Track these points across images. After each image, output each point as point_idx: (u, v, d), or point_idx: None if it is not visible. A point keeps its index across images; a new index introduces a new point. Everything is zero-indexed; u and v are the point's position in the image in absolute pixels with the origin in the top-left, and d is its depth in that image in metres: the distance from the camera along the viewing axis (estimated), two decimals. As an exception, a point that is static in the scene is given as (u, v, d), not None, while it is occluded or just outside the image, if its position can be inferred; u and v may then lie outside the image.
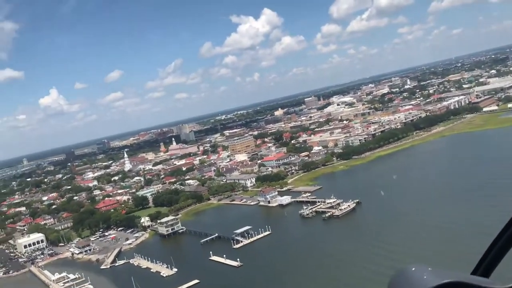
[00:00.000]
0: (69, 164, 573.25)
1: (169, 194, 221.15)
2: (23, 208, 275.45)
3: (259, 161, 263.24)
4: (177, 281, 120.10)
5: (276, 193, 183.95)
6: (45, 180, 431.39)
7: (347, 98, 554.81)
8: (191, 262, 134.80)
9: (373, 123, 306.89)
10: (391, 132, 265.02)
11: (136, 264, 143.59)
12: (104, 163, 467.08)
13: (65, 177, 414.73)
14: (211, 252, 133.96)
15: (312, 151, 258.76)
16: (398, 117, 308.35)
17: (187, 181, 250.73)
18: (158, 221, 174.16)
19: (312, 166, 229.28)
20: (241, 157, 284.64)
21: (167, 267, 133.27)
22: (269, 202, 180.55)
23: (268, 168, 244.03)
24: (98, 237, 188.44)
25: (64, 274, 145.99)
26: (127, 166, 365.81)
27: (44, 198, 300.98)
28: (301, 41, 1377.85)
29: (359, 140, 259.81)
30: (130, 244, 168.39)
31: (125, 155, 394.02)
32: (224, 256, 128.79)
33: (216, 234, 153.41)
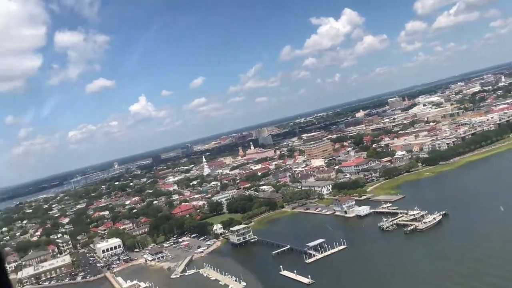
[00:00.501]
0: (154, 168, 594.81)
1: (243, 201, 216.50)
2: (106, 212, 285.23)
3: (336, 167, 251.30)
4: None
5: (353, 202, 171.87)
6: (131, 184, 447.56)
7: (434, 98, 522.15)
8: (260, 276, 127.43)
9: (462, 124, 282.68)
10: (483, 135, 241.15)
11: (205, 275, 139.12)
12: (185, 167, 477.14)
13: (148, 181, 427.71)
14: (281, 266, 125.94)
15: (395, 156, 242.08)
16: (492, 117, 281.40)
17: (261, 187, 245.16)
18: (230, 229, 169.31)
19: (394, 172, 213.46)
20: (318, 162, 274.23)
21: (235, 280, 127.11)
22: (345, 212, 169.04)
23: (346, 175, 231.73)
24: (171, 243, 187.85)
25: (135, 282, 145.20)
26: (206, 171, 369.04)
27: (127, 202, 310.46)
28: (383, 40, 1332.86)
29: (447, 143, 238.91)
30: (202, 252, 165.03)
31: (204, 160, 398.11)
32: (295, 271, 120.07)
33: (288, 246, 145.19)
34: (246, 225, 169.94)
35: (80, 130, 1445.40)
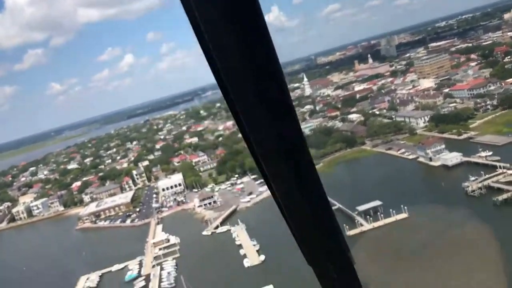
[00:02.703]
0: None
1: (320, 134, 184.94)
2: (195, 139, 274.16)
3: (446, 90, 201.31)
4: (254, 280, 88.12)
5: (443, 146, 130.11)
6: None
7: None
8: (285, 248, 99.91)
9: None
10: None
11: (233, 236, 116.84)
12: (295, 85, 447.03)
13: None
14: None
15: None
16: None
17: (350, 116, 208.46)
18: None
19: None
20: (427, 83, 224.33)
21: (257, 251, 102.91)
22: (430, 159, 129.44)
23: (456, 101, 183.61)
24: (229, 185, 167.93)
25: (167, 236, 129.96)
26: (307, 91, 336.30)
27: (220, 128, 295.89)
28: None
29: None
30: (249, 201, 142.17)
31: (305, 78, 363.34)
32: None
33: (338, 206, 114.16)
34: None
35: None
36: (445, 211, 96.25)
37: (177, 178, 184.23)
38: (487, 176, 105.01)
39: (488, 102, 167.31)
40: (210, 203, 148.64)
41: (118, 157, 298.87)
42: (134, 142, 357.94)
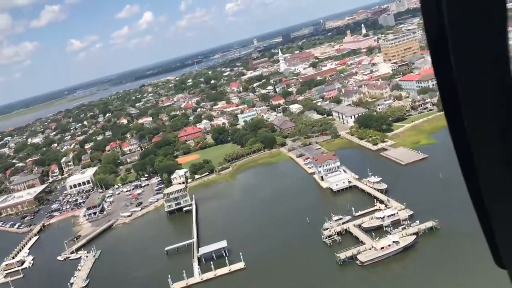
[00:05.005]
0: (251, 57, 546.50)
1: (250, 128, 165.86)
2: (150, 119, 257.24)
3: (397, 79, 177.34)
4: None
5: (337, 164, 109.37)
6: (226, 73, 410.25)
7: None
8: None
9: None
10: None
11: (78, 268, 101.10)
12: (284, 56, 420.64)
13: (237, 74, 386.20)
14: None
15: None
16: None
17: (291, 106, 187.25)
18: (164, 191, 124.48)
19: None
20: (385, 68, 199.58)
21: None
22: (322, 178, 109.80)
23: (401, 94, 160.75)
24: (134, 187, 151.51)
25: (25, 255, 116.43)
26: (282, 67, 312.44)
27: (182, 105, 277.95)
28: None
29: None
30: (130, 215, 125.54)
31: (280, 53, 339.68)
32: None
33: (192, 240, 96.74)
34: (181, 188, 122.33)
35: (236, 1, 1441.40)
36: (288, 264, 77.81)
37: (87, 174, 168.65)
38: (355, 215, 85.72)
39: (427, 100, 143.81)
40: (95, 213, 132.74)
41: (79, 133, 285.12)
42: (107, 114, 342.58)
